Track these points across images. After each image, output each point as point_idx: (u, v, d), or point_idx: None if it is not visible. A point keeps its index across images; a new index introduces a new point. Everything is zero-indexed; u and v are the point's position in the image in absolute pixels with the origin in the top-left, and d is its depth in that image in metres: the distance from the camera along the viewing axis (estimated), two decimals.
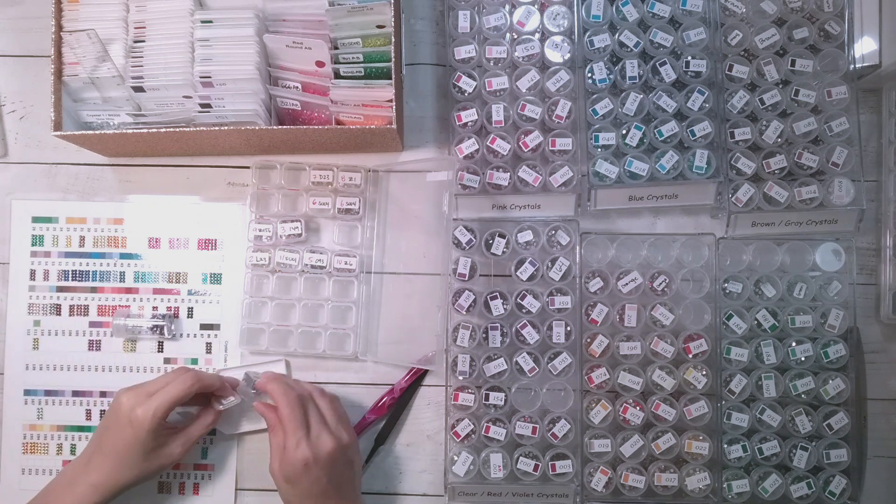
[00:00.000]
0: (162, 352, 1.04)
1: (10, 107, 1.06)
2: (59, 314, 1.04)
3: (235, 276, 1.03)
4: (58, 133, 0.93)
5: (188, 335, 1.04)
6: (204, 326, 1.04)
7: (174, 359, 1.04)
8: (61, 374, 1.04)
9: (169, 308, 1.04)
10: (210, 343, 1.04)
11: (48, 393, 1.04)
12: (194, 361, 1.03)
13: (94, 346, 1.04)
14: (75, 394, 1.04)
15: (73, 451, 1.03)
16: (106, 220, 1.05)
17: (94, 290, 1.04)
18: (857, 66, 0.98)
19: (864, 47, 0.98)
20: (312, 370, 1.03)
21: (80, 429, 1.03)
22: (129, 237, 1.05)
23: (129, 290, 1.04)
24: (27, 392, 1.03)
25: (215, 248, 1.05)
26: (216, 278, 1.04)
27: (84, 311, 1.04)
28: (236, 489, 1.02)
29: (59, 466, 1.03)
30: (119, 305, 1.04)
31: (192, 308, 1.04)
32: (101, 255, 1.04)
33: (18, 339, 1.04)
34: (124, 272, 1.04)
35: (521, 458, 0.97)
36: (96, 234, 1.05)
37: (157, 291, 1.04)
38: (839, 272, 0.99)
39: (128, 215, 1.05)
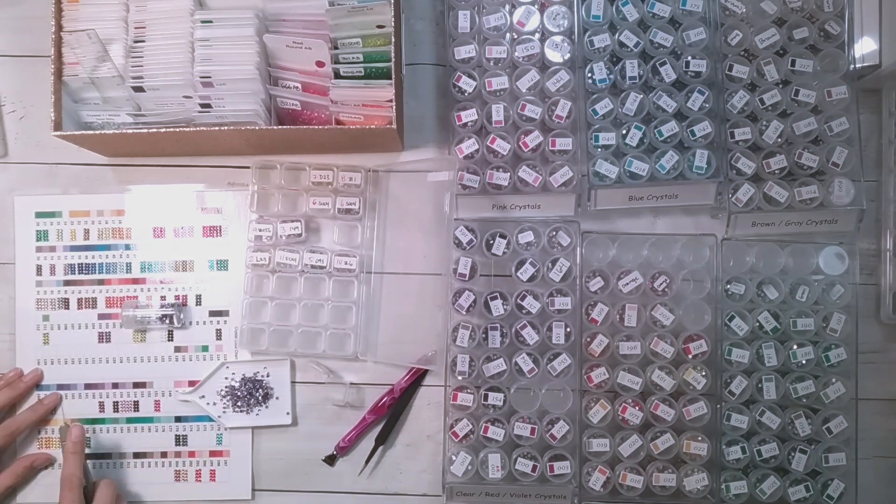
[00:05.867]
0: (172, 340, 1.04)
1: (10, 107, 1.07)
2: (68, 308, 1.04)
3: (241, 260, 1.03)
4: (58, 133, 0.93)
5: (197, 322, 1.04)
6: (213, 313, 1.04)
7: (185, 347, 1.04)
8: (73, 367, 1.04)
9: (177, 297, 1.04)
10: (220, 330, 1.04)
11: (61, 387, 1.04)
12: (205, 349, 1.04)
13: (104, 338, 1.04)
14: (87, 386, 1.04)
15: (87, 444, 1.03)
16: (109, 213, 1.05)
17: (101, 282, 1.05)
18: (857, 66, 0.98)
19: (864, 47, 0.98)
20: (313, 370, 1.03)
21: (94, 421, 1.04)
22: (133, 228, 1.05)
23: (136, 281, 1.05)
24: (40, 387, 1.04)
25: (220, 235, 1.05)
26: (222, 264, 1.04)
27: (92, 303, 1.04)
28: (253, 474, 1.03)
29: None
30: (127, 296, 1.04)
31: (200, 295, 1.04)
32: (107, 248, 1.05)
33: (29, 334, 1.04)
34: (130, 263, 1.05)
35: (519, 458, 0.97)
36: (100, 226, 1.05)
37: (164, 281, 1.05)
38: (842, 276, 0.99)
39: (131, 206, 1.05)
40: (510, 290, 0.99)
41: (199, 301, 1.04)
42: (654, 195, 0.99)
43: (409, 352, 1.02)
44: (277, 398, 1.03)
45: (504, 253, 0.98)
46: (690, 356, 0.97)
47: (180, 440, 1.03)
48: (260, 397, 1.02)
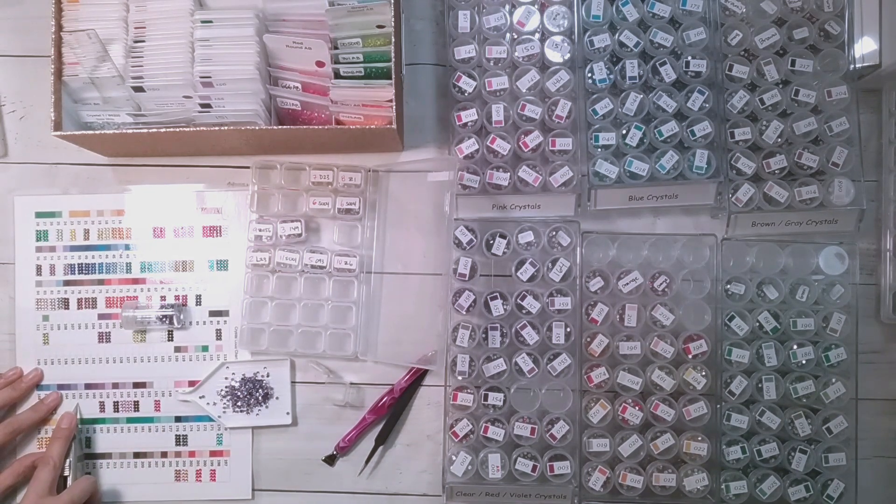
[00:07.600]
0: (172, 340, 1.04)
1: (10, 107, 1.07)
2: (68, 308, 1.04)
3: (241, 260, 1.03)
4: (58, 133, 0.93)
5: (197, 323, 1.04)
6: (213, 313, 1.04)
7: (185, 347, 1.04)
8: (73, 367, 1.04)
9: (177, 297, 1.04)
10: (220, 330, 1.04)
11: (61, 387, 1.04)
12: (205, 349, 1.04)
13: (104, 338, 1.04)
14: (87, 386, 1.04)
15: (88, 444, 1.03)
16: (109, 213, 1.05)
17: (100, 282, 1.05)
18: (857, 66, 0.98)
19: (864, 47, 0.98)
20: (313, 370, 1.03)
21: (95, 421, 1.04)
22: (133, 228, 1.05)
23: (135, 281, 1.05)
24: (40, 387, 1.04)
25: (220, 235, 1.05)
26: (222, 264, 1.04)
27: (92, 303, 1.04)
28: (253, 474, 1.03)
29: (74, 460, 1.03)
30: (127, 297, 1.04)
31: (200, 295, 1.04)
32: (107, 248, 1.05)
33: (29, 334, 1.04)
34: (130, 263, 1.05)
35: (519, 458, 0.97)
36: (100, 226, 1.05)
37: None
38: (842, 276, 0.99)
39: (131, 206, 1.05)
40: (510, 290, 0.99)
41: (199, 301, 1.04)
42: (654, 195, 0.99)
43: (409, 352, 1.02)
44: (277, 398, 1.03)
45: (504, 253, 0.98)
46: (690, 356, 0.97)
47: (180, 440, 1.03)
48: (260, 397, 1.02)
